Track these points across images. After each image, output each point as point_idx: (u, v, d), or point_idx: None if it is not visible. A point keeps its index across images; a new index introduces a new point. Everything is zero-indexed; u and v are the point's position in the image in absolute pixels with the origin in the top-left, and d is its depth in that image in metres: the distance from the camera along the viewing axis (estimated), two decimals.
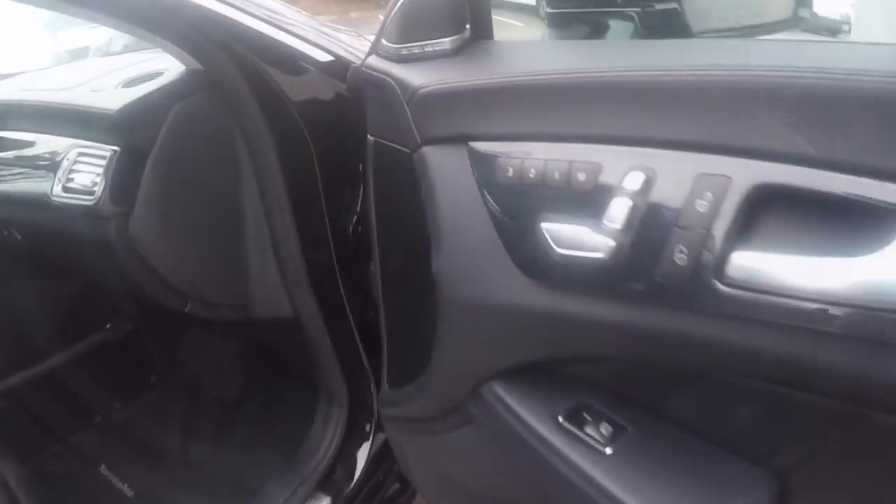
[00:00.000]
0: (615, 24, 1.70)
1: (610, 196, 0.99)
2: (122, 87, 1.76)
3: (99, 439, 2.38)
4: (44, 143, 1.88)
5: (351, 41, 1.63)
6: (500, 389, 1.25)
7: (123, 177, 1.65)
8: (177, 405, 2.45)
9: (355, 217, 1.64)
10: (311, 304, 1.72)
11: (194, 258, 1.77)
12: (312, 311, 1.73)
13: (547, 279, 1.08)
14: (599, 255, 1.00)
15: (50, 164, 1.80)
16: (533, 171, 1.05)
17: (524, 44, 1.71)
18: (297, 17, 1.61)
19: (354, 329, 1.74)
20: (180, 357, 2.54)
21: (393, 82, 1.21)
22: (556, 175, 1.03)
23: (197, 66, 1.64)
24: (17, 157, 1.96)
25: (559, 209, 1.04)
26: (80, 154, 1.72)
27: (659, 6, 1.64)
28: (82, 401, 2.43)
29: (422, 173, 1.18)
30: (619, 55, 1.21)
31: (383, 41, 1.28)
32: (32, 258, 2.16)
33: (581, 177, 1.01)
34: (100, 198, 1.65)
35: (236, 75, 1.55)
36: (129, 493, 2.17)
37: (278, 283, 1.75)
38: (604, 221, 0.99)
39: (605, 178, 1.00)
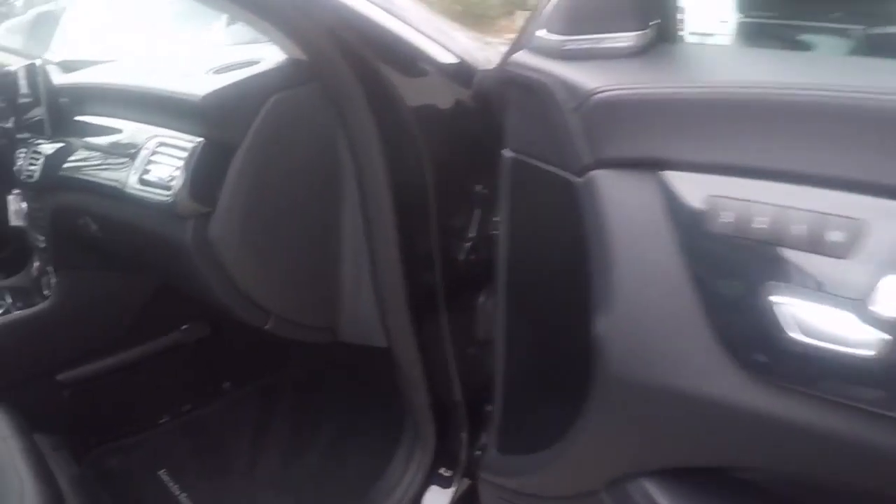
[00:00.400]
0: (823, 42, 1.31)
1: (882, 270, 0.64)
2: (213, 73, 1.43)
3: (163, 441, 2.12)
4: (129, 131, 1.57)
5: (470, 43, 1.31)
6: (653, 489, 0.90)
7: (206, 172, 1.32)
8: (248, 416, 2.15)
9: (468, 243, 1.30)
10: (407, 335, 1.39)
11: (280, 272, 1.43)
12: (408, 343, 1.40)
13: (770, 371, 0.72)
14: (863, 352, 0.63)
15: (130, 153, 1.49)
16: (761, 220, 0.70)
17: (728, 49, 1.33)
18: (417, 11, 1.30)
19: (453, 368, 1.41)
20: (257, 366, 2.23)
21: (554, 84, 0.86)
22: (800, 231, 0.67)
23: (300, 55, 1.30)
24: (100, 144, 1.66)
25: (800, 279, 0.69)
26: (161, 144, 1.40)
27: (891, 29, 1.23)
28: (150, 399, 2.16)
29: (589, 205, 0.82)
30: (872, 73, 0.83)
31: (541, 33, 0.92)
32: (107, 250, 1.85)
33: (838, 237, 0.65)
34: (177, 194, 1.33)
35: (345, 70, 1.23)
36: (187, 503, 1.90)
37: (373, 307, 1.42)
38: (870, 306, 0.63)
39: (876, 243, 0.65)
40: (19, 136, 2.06)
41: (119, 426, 2.10)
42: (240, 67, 1.40)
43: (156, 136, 1.42)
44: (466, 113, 1.24)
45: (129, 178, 1.43)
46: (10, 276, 2.44)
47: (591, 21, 0.88)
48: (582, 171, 0.83)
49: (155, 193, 1.36)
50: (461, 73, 1.24)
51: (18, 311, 2.03)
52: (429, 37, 1.26)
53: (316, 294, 1.44)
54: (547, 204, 0.90)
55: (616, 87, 0.80)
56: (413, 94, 1.24)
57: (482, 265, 1.26)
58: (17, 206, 2.21)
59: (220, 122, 1.31)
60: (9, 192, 2.23)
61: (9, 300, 2.10)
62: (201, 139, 1.31)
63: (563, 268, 0.88)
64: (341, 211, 1.38)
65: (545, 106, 0.86)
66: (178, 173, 1.31)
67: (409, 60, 1.24)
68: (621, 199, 0.79)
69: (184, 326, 2.10)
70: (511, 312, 1.06)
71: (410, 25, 1.25)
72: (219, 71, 1.42)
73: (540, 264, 0.96)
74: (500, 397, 1.15)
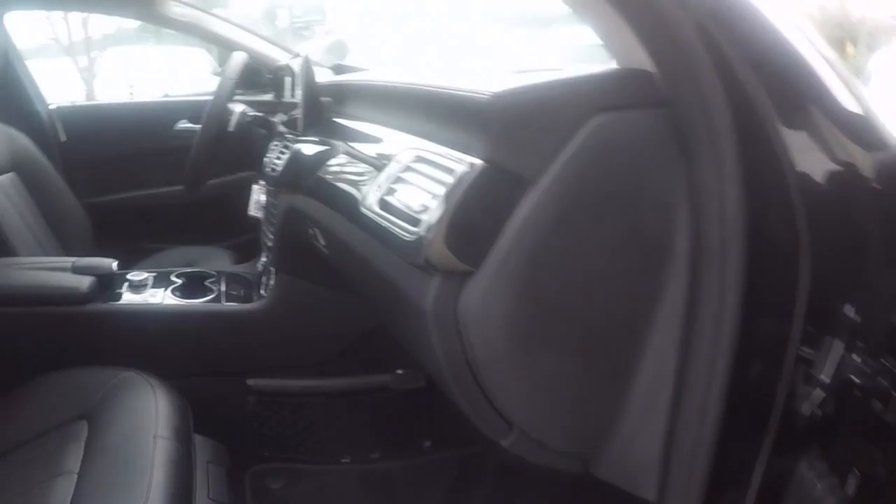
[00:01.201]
0: None
1: None
2: (511, 73, 0.89)
3: (336, 482, 1.66)
4: (384, 139, 1.09)
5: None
6: None
7: (477, 212, 0.76)
8: (439, 486, 1.62)
9: (819, 390, 0.72)
10: (694, 497, 0.80)
11: (548, 375, 0.83)
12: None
13: None
14: None
15: (376, 165, 1.00)
16: None
17: None
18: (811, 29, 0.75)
19: None
20: (465, 433, 1.69)
21: None
22: None
23: (644, 65, 0.75)
24: (348, 149, 1.20)
25: None
26: (418, 158, 0.88)
27: None
28: (337, 433, 1.69)
29: None
30: None
31: None
32: (333, 270, 1.39)
33: None
34: (428, 233, 0.78)
35: (717, 97, 0.70)
36: None
37: (657, 448, 0.82)
38: None
39: None
40: (280, 129, 1.74)
41: (295, 450, 1.68)
42: (544, 71, 0.85)
43: (413, 147, 0.91)
44: (863, 190, 0.70)
45: (367, 196, 0.93)
46: (239, 263, 2.15)
47: None
48: None
49: (395, 224, 0.83)
50: (867, 129, 0.71)
51: (228, 304, 1.68)
52: (834, 69, 0.70)
53: (585, 413, 0.85)
54: None
55: None
56: (800, 151, 0.70)
57: (826, 424, 0.73)
58: (257, 196, 1.93)
59: (513, 137, 0.75)
60: (256, 182, 1.96)
61: (222, 287, 1.74)
62: (479, 161, 0.76)
63: None
64: (656, 308, 0.78)
65: None
66: (434, 204, 0.77)
67: (802, 100, 0.71)
68: None
69: (398, 371, 1.61)
70: None
71: (814, 48, 0.71)
72: (518, 72, 0.88)
73: None
74: None
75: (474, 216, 0.74)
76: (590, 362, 0.80)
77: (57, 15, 7.33)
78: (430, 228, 0.76)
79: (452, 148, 0.82)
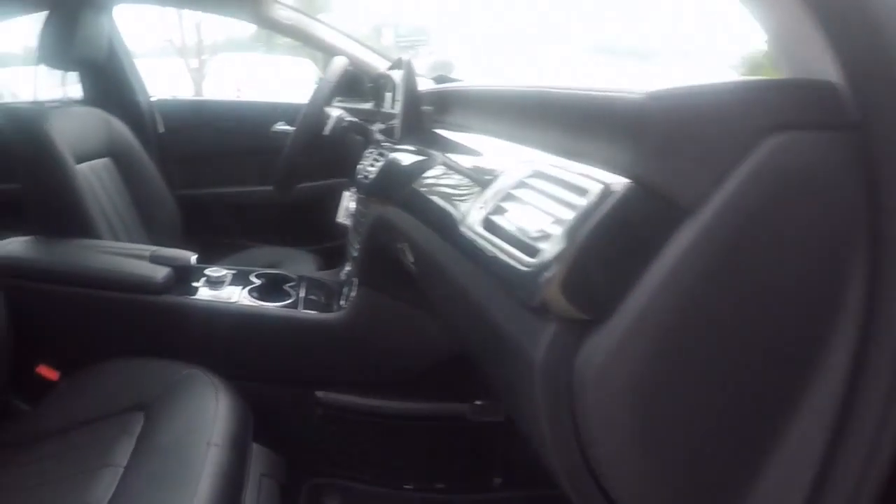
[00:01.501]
0: None
1: None
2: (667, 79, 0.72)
3: None
4: (501, 153, 0.92)
5: None
6: None
7: (614, 250, 0.57)
8: None
9: None
10: None
11: (672, 454, 0.62)
12: None
13: None
14: None
15: (481, 179, 0.84)
16: None
17: None
18: None
19: None
20: (540, 473, 1.51)
21: None
22: None
23: (828, 76, 0.57)
24: (448, 161, 1.05)
25: None
26: (535, 174, 0.72)
27: None
28: (402, 458, 1.57)
29: None
30: None
31: None
32: (419, 289, 1.25)
33: None
34: (543, 268, 0.59)
35: None
36: None
37: None
38: None
39: None
40: (377, 137, 1.64)
41: (356, 469, 1.58)
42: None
43: (530, 160, 0.75)
44: None
45: (468, 214, 0.78)
46: (323, 269, 2.07)
47: None
48: None
49: (503, 251, 0.67)
50: None
51: (305, 311, 1.58)
52: None
53: (709, 499, 0.66)
54: None
55: None
56: None
57: None
58: (347, 203, 1.85)
59: (670, 151, 0.56)
60: (348, 189, 1.88)
61: (301, 293, 1.64)
62: (622, 179, 0.58)
63: None
64: (814, 374, 0.58)
65: None
66: (555, 230, 0.60)
67: None
68: None
69: (476, 402, 1.46)
70: None
71: None
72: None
73: None
74: None
75: (608, 255, 0.57)
76: (726, 438, 0.62)
77: (172, 18, 7.61)
78: (548, 264, 0.59)
79: (585, 162, 0.65)
